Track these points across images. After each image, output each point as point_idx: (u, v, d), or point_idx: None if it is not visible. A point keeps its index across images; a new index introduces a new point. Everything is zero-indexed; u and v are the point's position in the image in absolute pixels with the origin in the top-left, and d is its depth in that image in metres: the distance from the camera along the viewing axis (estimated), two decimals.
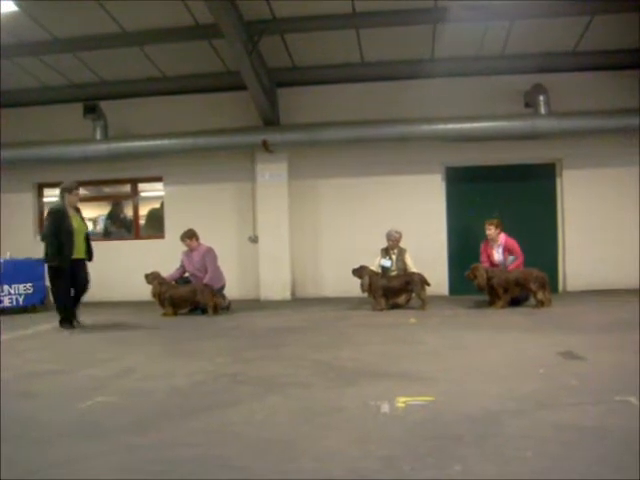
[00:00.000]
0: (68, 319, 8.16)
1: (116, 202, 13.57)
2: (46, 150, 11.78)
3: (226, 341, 6.83)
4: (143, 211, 13.14)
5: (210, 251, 9.82)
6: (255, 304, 10.81)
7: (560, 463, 2.77)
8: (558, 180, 11.57)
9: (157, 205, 12.96)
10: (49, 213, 8.29)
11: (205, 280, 9.53)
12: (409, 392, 4.07)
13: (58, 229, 8.02)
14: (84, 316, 8.53)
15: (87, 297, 11.77)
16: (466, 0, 9.22)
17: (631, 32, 10.09)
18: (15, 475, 2.79)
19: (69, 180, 8.74)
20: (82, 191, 13.49)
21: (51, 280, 8.27)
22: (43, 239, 8.22)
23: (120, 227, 13.41)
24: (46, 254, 8.07)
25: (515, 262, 9.35)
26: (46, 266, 8.29)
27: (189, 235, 9.85)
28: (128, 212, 13.19)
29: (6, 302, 10.32)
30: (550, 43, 10.56)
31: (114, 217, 13.52)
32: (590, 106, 10.76)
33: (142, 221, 13.09)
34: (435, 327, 7.40)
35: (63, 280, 8.12)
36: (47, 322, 8.89)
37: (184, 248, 9.90)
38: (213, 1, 8.46)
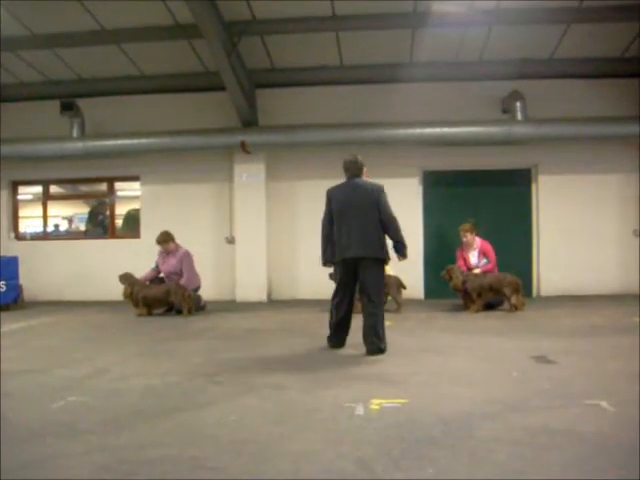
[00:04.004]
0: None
1: (100, 201, 13.41)
2: (22, 147, 11.57)
3: (201, 342, 6.79)
4: (121, 210, 13.03)
5: (187, 255, 9.73)
6: (231, 305, 10.76)
7: (532, 466, 2.81)
8: (534, 185, 11.68)
9: (135, 205, 12.83)
10: (383, 191, 6.25)
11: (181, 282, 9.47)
12: (383, 394, 4.10)
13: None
14: (57, 316, 8.38)
15: (63, 296, 11.84)
16: (445, 2, 9.30)
17: (606, 41, 10.29)
18: None
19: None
20: (57, 189, 13.52)
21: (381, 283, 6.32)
22: (393, 224, 6.34)
23: (97, 226, 13.28)
24: (397, 243, 6.44)
25: (487, 265, 9.43)
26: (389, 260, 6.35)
27: (165, 239, 9.70)
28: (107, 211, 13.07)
29: None
30: (527, 50, 10.67)
31: (93, 216, 13.39)
32: (566, 113, 10.87)
33: (119, 221, 12.97)
34: (410, 330, 7.43)
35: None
36: (21, 321, 8.78)
37: (160, 249, 9.82)
38: (193, 1, 8.42)
